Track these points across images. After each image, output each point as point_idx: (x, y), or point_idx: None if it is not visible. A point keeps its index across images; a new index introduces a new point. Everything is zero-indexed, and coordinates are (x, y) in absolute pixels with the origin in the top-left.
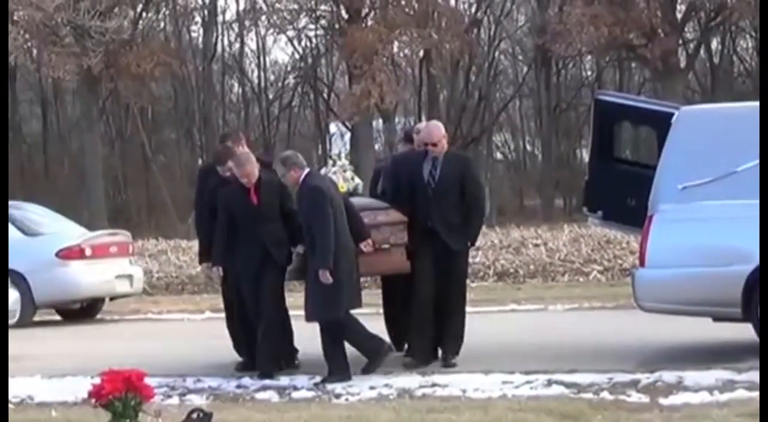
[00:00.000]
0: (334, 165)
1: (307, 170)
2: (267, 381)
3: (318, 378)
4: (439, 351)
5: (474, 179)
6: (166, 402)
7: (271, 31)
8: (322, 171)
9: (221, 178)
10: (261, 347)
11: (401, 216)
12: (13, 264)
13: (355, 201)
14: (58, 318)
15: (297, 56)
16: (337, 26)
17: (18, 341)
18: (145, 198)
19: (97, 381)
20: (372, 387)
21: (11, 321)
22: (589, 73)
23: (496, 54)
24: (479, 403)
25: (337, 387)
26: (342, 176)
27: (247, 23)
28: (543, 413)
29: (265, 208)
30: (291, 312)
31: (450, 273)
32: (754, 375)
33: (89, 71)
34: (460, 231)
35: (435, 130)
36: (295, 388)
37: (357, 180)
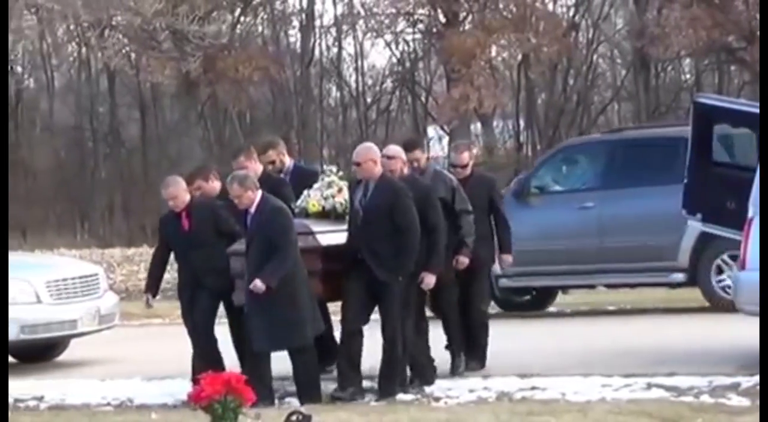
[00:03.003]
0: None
1: (260, 192)
2: (366, 384)
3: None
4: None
5: (403, 209)
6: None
7: (369, 35)
8: (315, 185)
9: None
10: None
11: (318, 243)
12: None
13: None
14: (158, 320)
15: (395, 60)
16: (434, 30)
17: (118, 343)
18: None
19: (197, 383)
20: (471, 390)
21: (110, 324)
22: (687, 76)
23: (594, 57)
24: (578, 406)
25: (435, 389)
26: (321, 193)
27: (344, 27)
28: (642, 416)
29: (196, 234)
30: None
31: (381, 306)
32: None
33: (188, 76)
34: (389, 261)
35: (362, 151)
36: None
37: (339, 199)
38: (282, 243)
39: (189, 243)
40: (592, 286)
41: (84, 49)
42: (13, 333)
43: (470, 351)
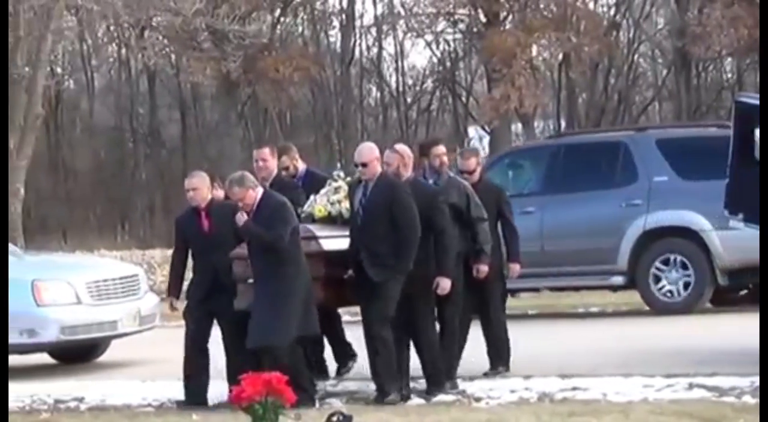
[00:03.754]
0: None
1: (261, 188)
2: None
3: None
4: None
5: (401, 206)
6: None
7: (409, 35)
8: (322, 191)
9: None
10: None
11: (320, 247)
12: None
13: None
14: None
15: (435, 60)
16: (475, 30)
17: (159, 344)
18: None
19: (238, 384)
20: (512, 391)
21: (150, 325)
22: (729, 75)
23: (636, 57)
24: (620, 407)
25: (477, 390)
26: (327, 198)
27: (385, 27)
28: (684, 417)
29: (216, 235)
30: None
31: (370, 306)
32: None
33: (228, 76)
34: (385, 261)
35: (365, 151)
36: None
37: (346, 204)
38: (278, 227)
39: (209, 244)
40: (536, 289)
41: (124, 50)
42: (54, 335)
43: (496, 356)
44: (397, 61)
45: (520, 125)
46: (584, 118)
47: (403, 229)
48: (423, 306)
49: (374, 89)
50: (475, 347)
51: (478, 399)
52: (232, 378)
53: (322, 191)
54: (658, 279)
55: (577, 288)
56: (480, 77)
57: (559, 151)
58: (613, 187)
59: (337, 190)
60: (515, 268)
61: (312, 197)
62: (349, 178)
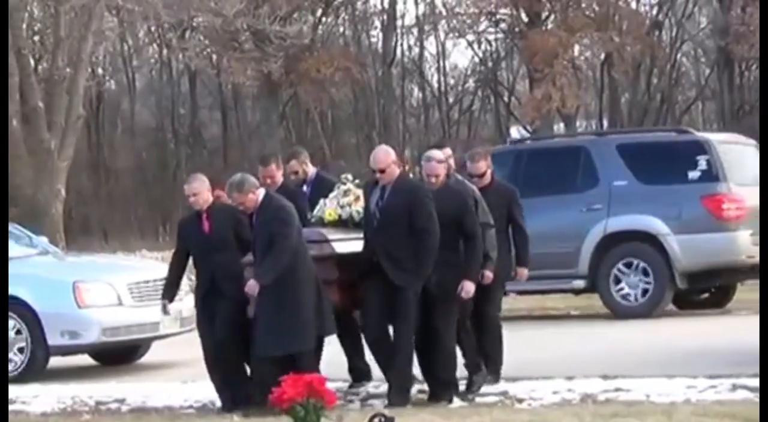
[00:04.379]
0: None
1: (263, 190)
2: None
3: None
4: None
5: (422, 210)
6: (348, 406)
7: (451, 35)
8: (332, 194)
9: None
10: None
11: (333, 250)
12: None
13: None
14: None
15: (477, 60)
16: (517, 30)
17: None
18: None
19: (279, 386)
20: (555, 392)
21: (191, 326)
22: None
23: (678, 56)
24: (663, 407)
25: (519, 391)
26: (337, 201)
27: (426, 27)
28: (728, 418)
29: (216, 237)
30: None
31: (396, 311)
32: None
33: (269, 76)
34: (407, 266)
35: (382, 155)
36: (479, 393)
37: (356, 207)
38: (278, 239)
39: (208, 246)
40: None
41: (165, 51)
42: (95, 336)
43: (488, 363)
44: (438, 61)
45: (562, 125)
46: (627, 117)
47: (422, 233)
48: (446, 312)
49: (416, 89)
50: (517, 348)
51: (520, 400)
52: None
53: (332, 195)
54: (618, 283)
55: (541, 292)
56: (522, 77)
57: (523, 155)
58: (574, 192)
59: (346, 193)
60: (523, 273)
61: (322, 201)
62: (357, 181)
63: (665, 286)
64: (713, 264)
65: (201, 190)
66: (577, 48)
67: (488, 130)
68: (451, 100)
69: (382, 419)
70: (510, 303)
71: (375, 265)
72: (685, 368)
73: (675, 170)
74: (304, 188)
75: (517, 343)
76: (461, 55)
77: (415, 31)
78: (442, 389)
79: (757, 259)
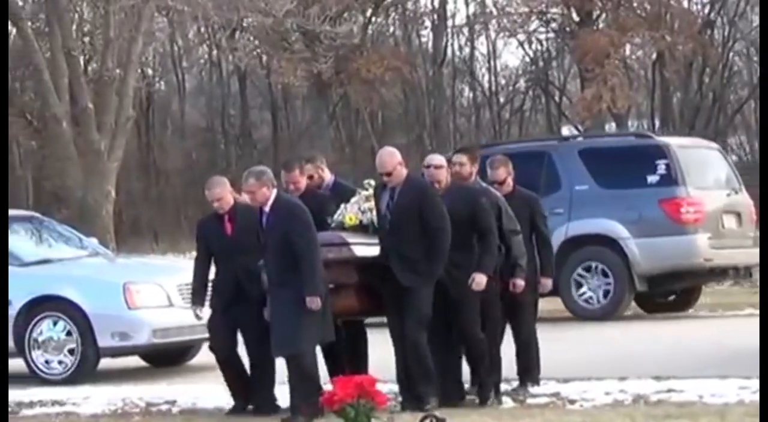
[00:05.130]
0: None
1: (275, 190)
2: (501, 387)
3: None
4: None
5: (433, 210)
6: (399, 407)
7: (502, 34)
8: (353, 199)
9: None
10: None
11: (352, 253)
12: None
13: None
14: None
15: (528, 60)
16: (568, 29)
17: None
18: None
19: (330, 387)
20: (607, 393)
21: None
22: None
23: (730, 55)
24: (716, 408)
25: (571, 392)
26: (358, 206)
27: (477, 27)
28: None
29: (239, 239)
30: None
31: (405, 312)
32: None
33: (319, 76)
34: (416, 266)
35: (387, 158)
36: (531, 394)
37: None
38: (303, 245)
39: (232, 249)
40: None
41: (215, 51)
42: (145, 337)
43: (525, 372)
44: (489, 61)
45: (614, 125)
46: (678, 117)
47: (434, 233)
48: (470, 311)
49: (467, 89)
50: (568, 348)
51: (572, 401)
52: (259, 382)
53: (353, 199)
54: (579, 286)
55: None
56: (573, 77)
57: (486, 160)
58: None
59: (368, 198)
60: (547, 283)
61: (342, 206)
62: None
63: (625, 289)
64: (671, 267)
65: (223, 194)
66: (628, 47)
67: (539, 129)
68: (502, 99)
69: (433, 420)
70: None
71: (388, 267)
72: (738, 369)
73: (635, 174)
74: None
75: (569, 343)
76: (512, 55)
77: (465, 30)
78: (483, 390)
79: (715, 262)
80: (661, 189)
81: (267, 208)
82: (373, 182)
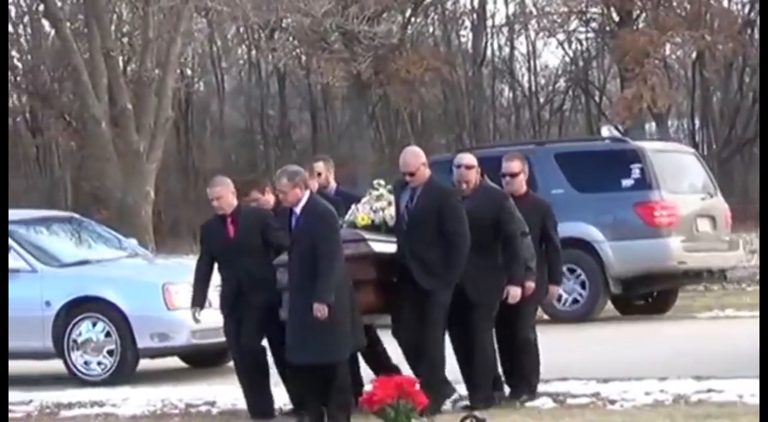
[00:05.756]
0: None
1: (308, 192)
2: (541, 388)
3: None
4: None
5: (452, 213)
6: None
7: (541, 34)
8: (364, 199)
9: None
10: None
11: (370, 249)
12: None
13: None
14: None
15: (567, 59)
16: (607, 29)
17: None
18: None
19: (369, 388)
20: (647, 393)
21: None
22: None
23: None
24: (756, 408)
25: (611, 392)
26: (370, 206)
27: (516, 27)
28: None
29: (241, 241)
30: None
31: (424, 315)
32: None
33: (358, 77)
34: (436, 270)
35: (411, 159)
36: (570, 394)
37: (389, 212)
38: (326, 252)
39: (233, 251)
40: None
41: (254, 51)
42: (185, 338)
43: (521, 381)
44: (529, 61)
45: (654, 124)
46: (718, 116)
47: (454, 236)
48: (483, 318)
49: (506, 89)
50: (608, 348)
51: (612, 402)
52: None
53: (364, 199)
54: None
55: None
56: (613, 76)
57: (451, 165)
58: None
59: (379, 197)
60: (556, 291)
61: (354, 206)
62: (389, 187)
63: (600, 292)
64: (645, 270)
65: (223, 194)
66: (668, 47)
67: (579, 129)
68: (541, 99)
69: (474, 420)
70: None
71: (405, 267)
72: None
73: (609, 178)
74: None
75: (608, 344)
76: (552, 55)
77: (505, 30)
78: (479, 395)
79: (688, 265)
80: (636, 193)
81: (298, 210)
82: (383, 182)
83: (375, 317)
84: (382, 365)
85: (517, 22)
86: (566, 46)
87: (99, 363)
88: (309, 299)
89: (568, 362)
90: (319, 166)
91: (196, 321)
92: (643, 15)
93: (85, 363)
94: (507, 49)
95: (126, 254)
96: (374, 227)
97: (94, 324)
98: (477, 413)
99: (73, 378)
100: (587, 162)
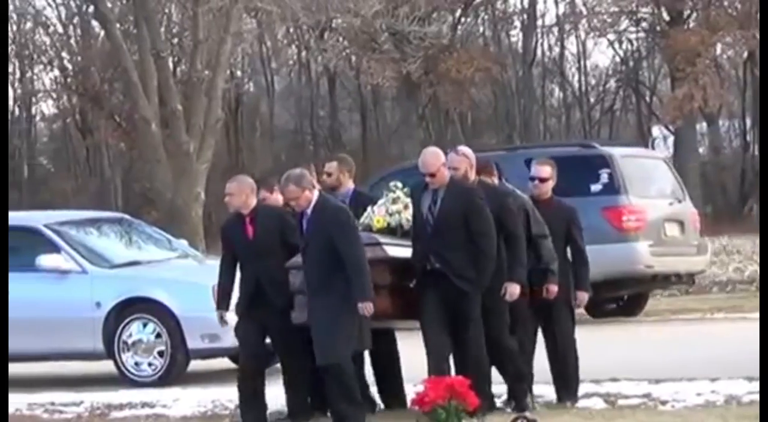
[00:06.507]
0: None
1: (317, 191)
2: (592, 388)
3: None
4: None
5: (480, 213)
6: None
7: (592, 34)
8: (380, 202)
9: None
10: (288, 397)
11: (386, 253)
12: None
13: None
14: None
15: (618, 59)
16: (658, 28)
17: None
18: None
19: (421, 388)
20: (698, 394)
21: None
22: None
23: None
24: None
25: (662, 393)
26: (386, 208)
27: (567, 27)
28: None
29: (259, 242)
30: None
31: (461, 318)
32: None
33: (408, 77)
34: (466, 273)
35: (431, 159)
36: (622, 395)
37: (405, 215)
38: (348, 249)
39: (252, 252)
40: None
41: (304, 52)
42: (234, 340)
43: (563, 387)
44: (579, 61)
45: (705, 124)
46: None
47: (482, 237)
48: (499, 318)
49: (557, 89)
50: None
51: (663, 402)
52: (291, 388)
53: (380, 202)
54: None
55: None
56: (664, 76)
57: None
58: None
59: (395, 200)
60: (583, 297)
61: (369, 209)
62: (406, 189)
63: None
64: (613, 274)
65: (236, 192)
66: (719, 46)
67: (630, 129)
68: (592, 99)
69: (524, 421)
70: (651, 304)
71: (429, 273)
72: None
73: (578, 183)
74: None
75: (660, 344)
76: (602, 55)
77: (555, 30)
78: (516, 392)
79: (656, 269)
80: (604, 197)
81: (309, 211)
82: (399, 184)
83: (390, 322)
84: (386, 369)
85: (567, 21)
86: (617, 45)
87: (149, 364)
88: (329, 299)
89: (618, 363)
90: (332, 166)
91: (224, 324)
92: (694, 15)
93: (136, 364)
94: (557, 49)
95: (176, 255)
96: (390, 230)
97: (145, 325)
98: (528, 414)
99: (123, 379)
100: (557, 167)
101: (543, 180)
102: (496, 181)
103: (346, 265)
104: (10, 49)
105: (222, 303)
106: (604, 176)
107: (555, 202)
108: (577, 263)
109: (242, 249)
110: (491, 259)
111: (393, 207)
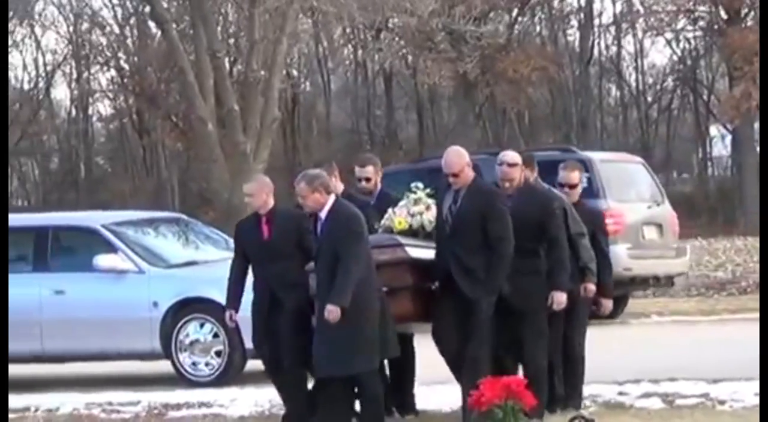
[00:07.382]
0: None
1: (334, 197)
2: (650, 388)
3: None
4: None
5: (499, 217)
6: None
7: (649, 33)
8: (401, 203)
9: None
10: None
11: (407, 254)
12: None
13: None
14: None
15: (675, 58)
16: (716, 27)
17: None
18: None
19: (477, 389)
20: (757, 394)
21: None
22: None
23: None
24: None
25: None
26: (407, 210)
27: (624, 26)
28: None
29: (274, 244)
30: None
31: (470, 325)
32: None
33: (465, 76)
34: (479, 276)
35: (454, 159)
36: (680, 395)
37: (427, 216)
38: (345, 254)
39: (266, 253)
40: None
41: (360, 52)
42: None
43: (573, 391)
44: (636, 60)
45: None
46: None
47: (499, 242)
48: (532, 327)
49: (614, 88)
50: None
51: (722, 402)
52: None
53: (401, 203)
54: None
55: None
56: (721, 75)
57: (421, 173)
58: None
59: (416, 201)
60: (608, 305)
61: (390, 210)
62: (428, 190)
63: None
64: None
65: (256, 192)
66: None
67: (688, 128)
68: (649, 98)
69: (582, 421)
70: (710, 304)
71: (449, 275)
72: None
73: (558, 187)
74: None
75: (718, 344)
76: (659, 54)
77: (612, 29)
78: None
79: (635, 272)
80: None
81: (323, 215)
82: (420, 185)
83: (412, 326)
84: (401, 370)
85: (624, 20)
86: (674, 44)
87: (207, 364)
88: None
89: (677, 362)
90: (368, 171)
91: (232, 323)
92: (752, 13)
93: (193, 363)
94: (614, 48)
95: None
96: (411, 232)
97: (202, 325)
98: (585, 413)
99: (181, 379)
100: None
101: (573, 186)
102: (536, 174)
103: (341, 265)
104: (67, 49)
105: (231, 303)
106: (583, 180)
107: (582, 205)
108: (601, 270)
109: (256, 249)
110: (505, 265)
111: (414, 208)
